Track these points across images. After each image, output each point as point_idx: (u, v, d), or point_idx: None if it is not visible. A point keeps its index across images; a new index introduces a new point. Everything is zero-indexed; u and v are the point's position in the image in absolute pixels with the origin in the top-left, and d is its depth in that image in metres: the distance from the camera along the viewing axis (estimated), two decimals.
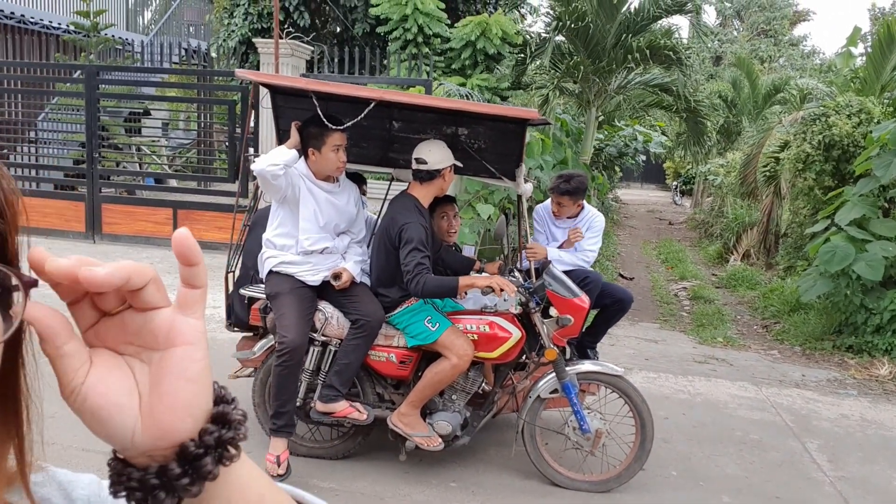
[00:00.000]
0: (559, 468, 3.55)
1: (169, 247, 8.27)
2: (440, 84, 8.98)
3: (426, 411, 3.52)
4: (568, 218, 4.33)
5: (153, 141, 11.48)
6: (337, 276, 3.40)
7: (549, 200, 4.40)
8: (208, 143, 11.02)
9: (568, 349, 3.63)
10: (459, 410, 3.53)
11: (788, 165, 9.66)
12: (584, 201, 4.38)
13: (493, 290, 3.24)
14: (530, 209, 5.43)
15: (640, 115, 14.92)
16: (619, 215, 23.80)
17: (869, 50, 9.97)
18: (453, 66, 10.22)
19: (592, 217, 4.35)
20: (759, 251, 14.05)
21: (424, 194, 3.45)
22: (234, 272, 3.90)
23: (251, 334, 3.87)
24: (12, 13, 13.30)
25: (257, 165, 3.15)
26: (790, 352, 7.55)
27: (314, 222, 3.33)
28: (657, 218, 24.59)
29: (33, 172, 10.15)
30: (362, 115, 3.14)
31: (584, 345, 4.31)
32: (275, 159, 3.12)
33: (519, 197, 3.86)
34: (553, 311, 3.47)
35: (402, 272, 3.26)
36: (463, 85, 9.51)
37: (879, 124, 8.09)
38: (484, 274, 3.77)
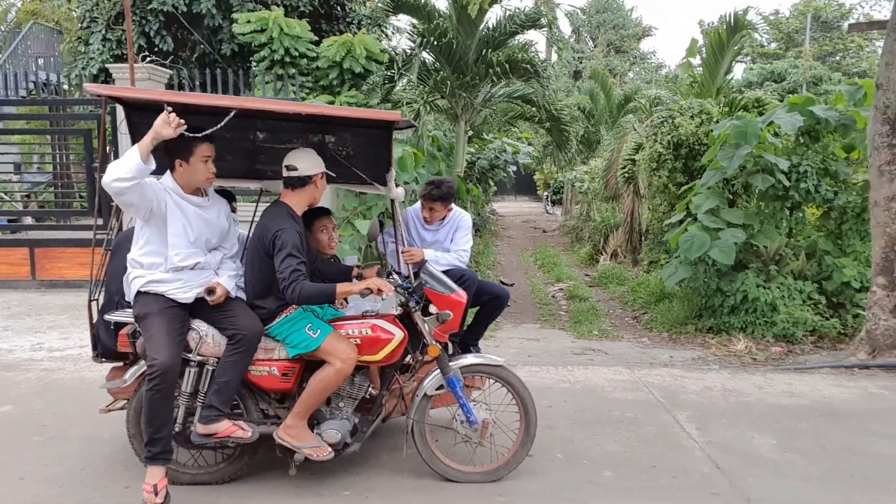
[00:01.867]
0: (451, 463, 3.61)
1: (26, 289, 7.66)
2: (308, 103, 8.94)
3: (313, 422, 3.47)
4: (437, 221, 4.43)
5: (5, 181, 10.63)
6: (211, 291, 3.30)
7: (417, 204, 4.49)
8: (66, 178, 10.34)
9: (450, 346, 3.70)
10: (348, 417, 3.51)
11: (644, 166, 10.37)
12: (453, 204, 4.50)
13: (372, 292, 3.27)
14: None
15: (508, 129, 15.50)
16: (497, 227, 24.51)
17: (704, 57, 10.89)
18: (321, 84, 10.20)
19: (460, 217, 4.47)
20: (626, 249, 14.90)
21: (297, 201, 3.43)
22: (97, 300, 3.68)
23: (121, 364, 3.67)
24: None
25: (105, 178, 3.00)
26: (658, 337, 8.04)
27: (184, 237, 3.22)
28: (532, 227, 25.51)
29: None
30: (226, 120, 3.08)
31: (467, 343, 4.42)
32: (122, 172, 2.96)
33: (392, 202, 3.92)
34: (433, 309, 3.54)
35: (277, 281, 3.22)
36: (332, 103, 9.51)
37: (718, 123, 8.86)
38: (362, 279, 3.78)
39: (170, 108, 3.01)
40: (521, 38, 11.43)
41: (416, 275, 3.64)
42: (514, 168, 17.04)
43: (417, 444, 3.56)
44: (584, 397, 5.05)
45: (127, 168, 2.97)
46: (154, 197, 3.11)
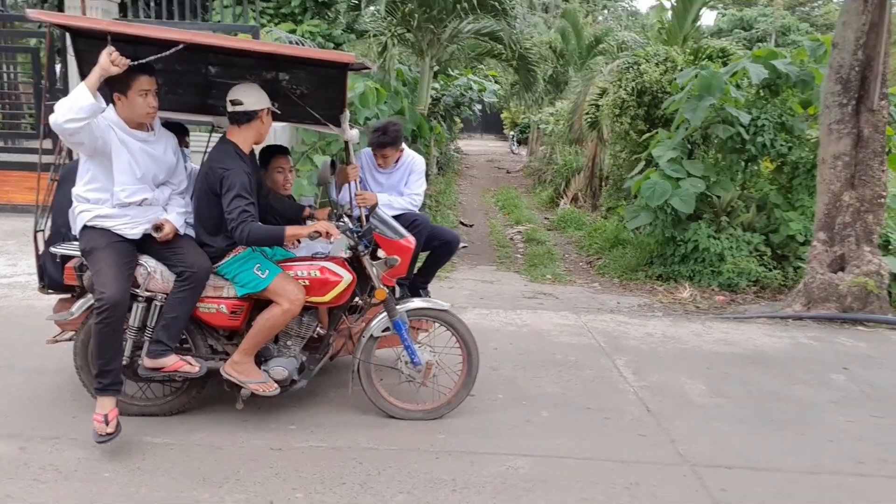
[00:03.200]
0: (394, 401, 3.74)
1: None
2: (268, 31, 8.68)
3: (261, 358, 3.55)
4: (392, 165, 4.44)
5: None
6: (158, 228, 3.30)
7: (367, 148, 4.48)
8: (12, 98, 9.92)
9: (397, 289, 3.78)
10: (295, 355, 3.60)
11: (607, 111, 10.41)
12: (404, 145, 4.50)
13: (321, 235, 3.31)
14: None
15: (475, 66, 15.28)
16: (461, 166, 24.45)
17: (674, 4, 10.83)
18: (283, 12, 9.89)
19: (413, 161, 4.48)
20: (586, 194, 15.07)
21: (244, 139, 3.41)
22: (43, 231, 3.65)
23: (68, 296, 3.67)
24: None
25: (54, 118, 2.94)
26: (609, 283, 8.24)
27: (130, 174, 3.19)
28: (496, 167, 25.51)
29: None
30: (167, 53, 3.02)
31: (417, 285, 4.50)
32: (73, 112, 2.92)
33: (346, 143, 3.91)
34: (381, 254, 3.60)
35: (226, 220, 3.23)
36: (293, 31, 9.25)
37: (682, 71, 8.90)
38: (313, 221, 3.80)
39: (111, 49, 2.93)
40: None
41: (368, 218, 3.68)
42: (480, 106, 16.89)
43: (363, 383, 3.67)
44: (530, 340, 5.22)
45: (79, 107, 2.92)
46: (99, 134, 3.07)
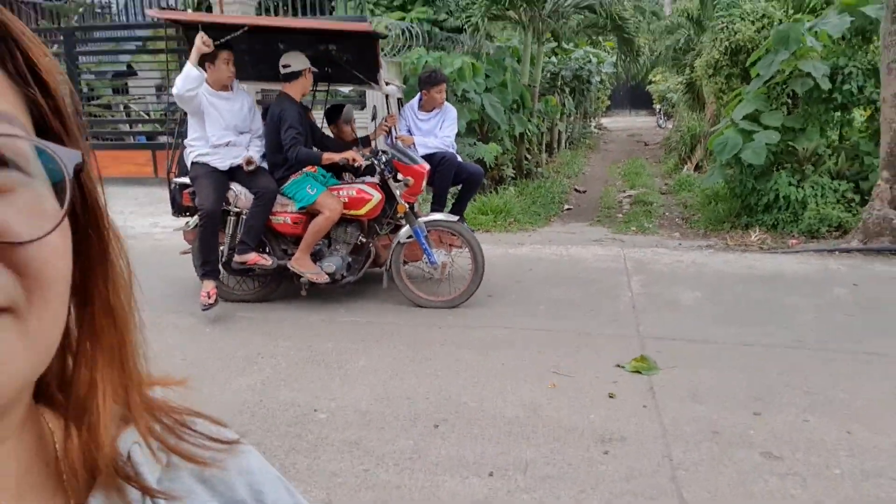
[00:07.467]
0: (419, 293, 4.82)
1: (151, 185, 9.49)
2: (379, 20, 9.99)
3: (318, 257, 4.78)
4: (431, 110, 5.46)
5: (136, 99, 12.46)
6: (249, 162, 4.63)
7: (414, 100, 5.54)
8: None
9: (416, 206, 4.85)
10: (342, 256, 4.79)
11: (700, 72, 10.64)
12: (446, 101, 5.51)
13: (348, 161, 4.47)
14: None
15: (594, 39, 15.75)
16: (599, 141, 24.76)
17: None
18: (394, 3, 11.22)
19: (447, 110, 5.48)
20: (707, 159, 15.07)
21: (294, 91, 4.64)
22: (174, 172, 5.12)
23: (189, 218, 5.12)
24: None
25: (177, 89, 4.33)
26: (694, 234, 8.64)
27: (216, 124, 4.54)
28: (636, 141, 25.46)
29: None
30: (238, 32, 4.34)
31: (455, 214, 5.52)
32: (189, 82, 4.29)
33: (387, 96, 5.03)
34: (401, 177, 4.69)
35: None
36: (402, 19, 10.50)
37: (779, 25, 9.03)
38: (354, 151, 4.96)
39: (202, 34, 4.27)
40: None
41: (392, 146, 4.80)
42: (598, 79, 17.28)
43: (394, 278, 4.79)
44: (565, 265, 6.05)
45: (191, 78, 4.30)
46: (197, 101, 4.43)
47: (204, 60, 4.46)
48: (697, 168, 15.31)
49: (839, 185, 7.96)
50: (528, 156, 13.05)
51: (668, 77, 19.26)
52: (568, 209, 11.16)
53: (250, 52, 4.85)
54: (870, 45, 8.26)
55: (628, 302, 4.92)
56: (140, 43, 11.25)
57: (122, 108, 12.34)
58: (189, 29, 4.84)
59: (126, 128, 11.64)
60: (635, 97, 39.98)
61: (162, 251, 6.67)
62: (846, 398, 3.35)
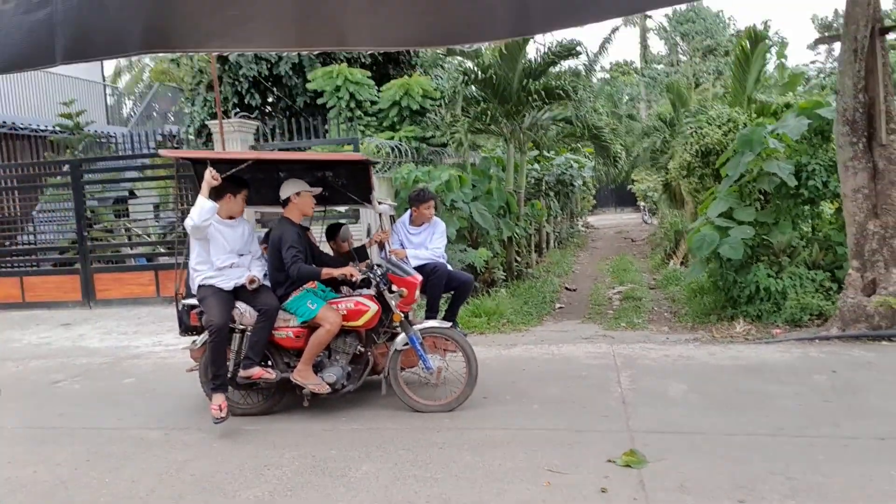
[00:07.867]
0: (416, 398, 5.02)
1: (153, 304, 9.87)
2: (369, 140, 10.66)
3: (319, 368, 5.00)
4: (421, 224, 5.88)
5: (137, 221, 13.00)
6: (252, 282, 4.95)
7: (405, 216, 5.96)
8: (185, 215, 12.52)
9: (410, 315, 5.14)
10: (343, 366, 5.03)
11: (675, 174, 11.28)
12: (434, 216, 5.94)
13: (346, 276, 4.80)
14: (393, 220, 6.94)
15: (571, 146, 16.61)
16: (586, 239, 25.42)
17: (732, 69, 11.68)
18: (384, 124, 11.97)
19: (436, 223, 5.91)
20: (691, 253, 15.56)
21: (293, 214, 5.06)
22: (181, 294, 5.43)
23: (195, 338, 5.38)
24: (4, 122, 15.14)
25: (191, 221, 4.72)
26: (682, 327, 8.92)
27: (221, 248, 4.90)
28: (623, 237, 26.15)
29: (33, 256, 11.78)
30: (241, 167, 4.77)
31: (448, 320, 5.82)
32: (204, 214, 4.69)
33: (380, 214, 5.43)
34: (395, 289, 5.00)
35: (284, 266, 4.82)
36: (391, 139, 11.19)
37: (743, 129, 9.69)
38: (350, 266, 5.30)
39: (211, 169, 4.70)
40: (565, 64, 12.65)
41: (386, 261, 5.14)
42: (580, 182, 18.07)
43: (392, 384, 5.00)
44: (557, 363, 6.28)
45: (205, 210, 4.70)
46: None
47: (222, 192, 4.87)
48: (684, 262, 15.76)
49: (816, 274, 8.33)
50: (517, 258, 13.49)
51: (649, 176, 20.12)
52: (560, 307, 11.45)
53: (253, 180, 5.28)
54: (829, 143, 8.85)
55: (618, 397, 5.13)
56: (139, 172, 11.90)
57: (123, 230, 12.81)
58: (197, 164, 5.29)
59: (128, 250, 12.06)
60: (620, 195, 41.31)
61: (166, 368, 6.89)
62: (825, 482, 3.53)
